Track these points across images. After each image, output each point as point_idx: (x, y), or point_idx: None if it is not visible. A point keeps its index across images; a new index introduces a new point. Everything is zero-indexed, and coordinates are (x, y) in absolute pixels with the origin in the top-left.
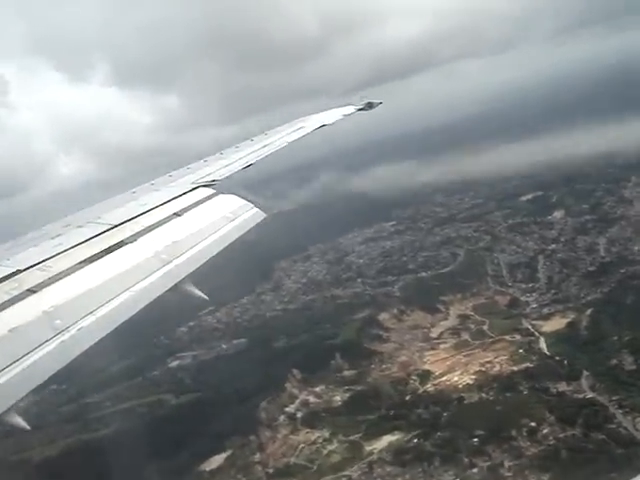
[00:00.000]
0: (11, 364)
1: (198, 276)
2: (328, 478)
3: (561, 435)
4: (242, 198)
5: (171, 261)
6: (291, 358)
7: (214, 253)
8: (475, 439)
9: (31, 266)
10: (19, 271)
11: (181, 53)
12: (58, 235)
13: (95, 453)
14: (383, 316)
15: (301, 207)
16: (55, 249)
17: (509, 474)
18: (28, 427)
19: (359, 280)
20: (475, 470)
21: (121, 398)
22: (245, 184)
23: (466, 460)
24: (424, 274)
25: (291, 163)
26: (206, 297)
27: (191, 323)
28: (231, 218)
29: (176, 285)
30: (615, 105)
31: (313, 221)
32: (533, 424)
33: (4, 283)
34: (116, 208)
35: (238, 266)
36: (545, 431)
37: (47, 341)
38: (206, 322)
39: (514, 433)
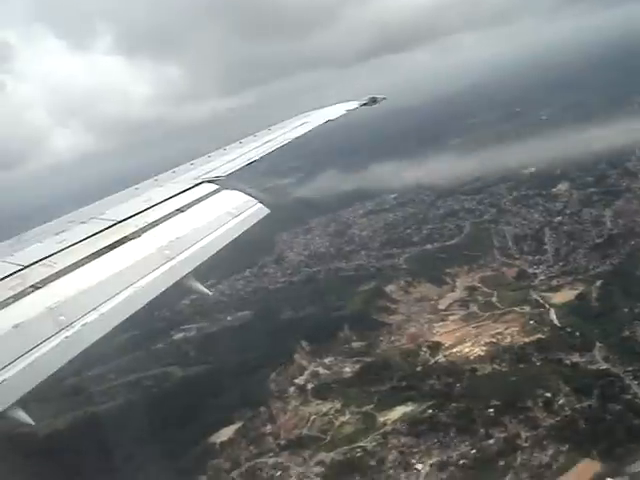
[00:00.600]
0: (15, 359)
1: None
2: (342, 449)
3: (577, 406)
4: (246, 194)
5: (174, 257)
6: (298, 330)
7: (217, 249)
8: (490, 410)
9: (35, 262)
10: (23, 267)
11: (187, 20)
12: (62, 231)
13: (102, 426)
14: (390, 288)
15: (299, 180)
16: (59, 245)
17: (526, 445)
18: (32, 422)
19: (363, 252)
20: (491, 441)
21: (125, 371)
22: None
23: (482, 431)
24: (429, 246)
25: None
26: (209, 292)
27: (193, 296)
28: (235, 214)
29: (179, 281)
30: (616, 78)
31: (312, 194)
32: (548, 395)
33: (8, 279)
34: (119, 204)
35: (238, 238)
36: (561, 402)
37: (51, 337)
38: (208, 295)
39: (530, 404)
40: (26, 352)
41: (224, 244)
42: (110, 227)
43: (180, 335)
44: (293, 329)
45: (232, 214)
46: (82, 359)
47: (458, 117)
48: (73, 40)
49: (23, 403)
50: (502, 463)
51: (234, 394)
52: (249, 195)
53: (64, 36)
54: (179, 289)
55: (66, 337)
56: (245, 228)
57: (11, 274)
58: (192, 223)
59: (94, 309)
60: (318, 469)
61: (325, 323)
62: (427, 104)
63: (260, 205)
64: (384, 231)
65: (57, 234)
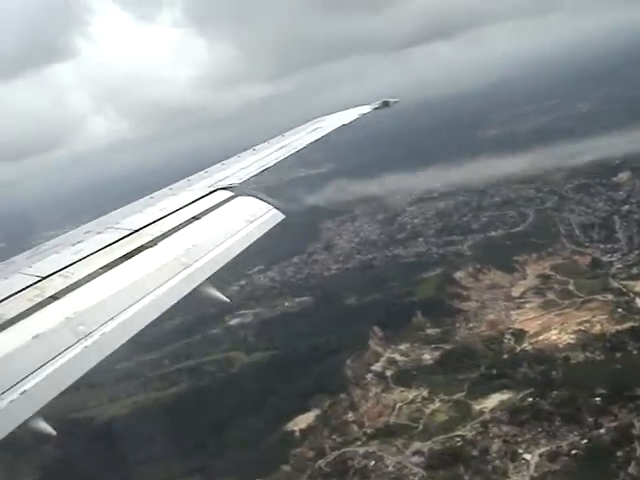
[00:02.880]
0: (35, 370)
1: None
2: (439, 438)
3: None
4: (260, 200)
5: (191, 265)
6: (367, 316)
7: (234, 255)
8: (597, 398)
9: (53, 273)
10: (41, 278)
11: None
12: (78, 242)
13: (170, 411)
14: (458, 275)
15: (334, 170)
16: (76, 256)
17: None
18: (54, 432)
19: (420, 240)
20: (602, 430)
21: (182, 356)
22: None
23: (590, 420)
24: (493, 233)
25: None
26: (228, 300)
27: (242, 282)
28: (250, 220)
29: (197, 288)
30: None
31: (352, 182)
32: None
33: (27, 290)
34: (135, 213)
35: (282, 225)
36: None
37: (70, 347)
38: (258, 281)
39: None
40: (46, 363)
41: (240, 250)
42: (126, 236)
43: (236, 320)
44: (361, 315)
45: (247, 220)
46: (132, 344)
47: (493, 110)
48: (139, 11)
49: (44, 414)
50: (620, 454)
51: (307, 380)
52: (264, 201)
53: (129, 8)
54: (197, 297)
55: (85, 347)
56: (261, 234)
57: (30, 285)
58: (208, 230)
59: (112, 318)
60: (417, 459)
61: (395, 309)
62: (460, 96)
63: (275, 211)
64: (438, 219)
65: (74, 245)
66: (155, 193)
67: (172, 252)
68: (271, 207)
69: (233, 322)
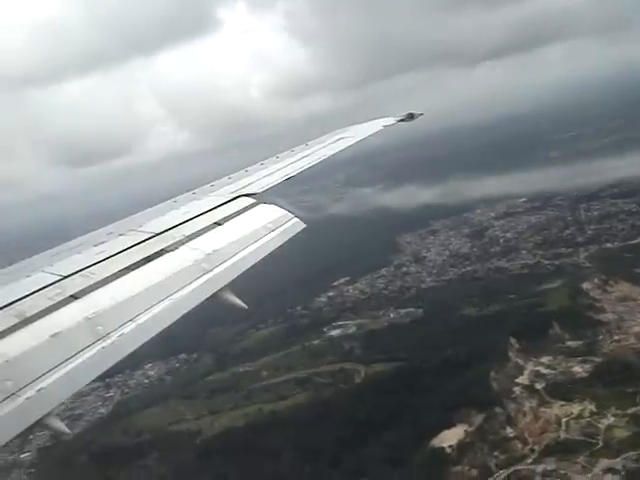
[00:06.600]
0: (53, 368)
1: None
2: (631, 454)
3: None
4: (282, 208)
5: (211, 270)
6: (494, 327)
7: (254, 262)
8: None
9: (74, 273)
10: (63, 277)
11: None
12: (101, 243)
13: (292, 425)
14: (585, 286)
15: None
16: (98, 256)
17: None
18: (69, 431)
19: (523, 252)
20: None
21: (283, 367)
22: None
23: None
24: (609, 245)
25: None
26: (245, 306)
27: (330, 293)
28: (271, 228)
29: (216, 293)
30: None
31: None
32: None
33: (48, 289)
34: (158, 217)
35: (357, 240)
36: None
37: (88, 346)
38: (347, 292)
39: None
40: (63, 361)
41: (261, 258)
42: (148, 239)
43: (336, 332)
44: (486, 326)
45: (269, 228)
46: (220, 355)
47: (552, 131)
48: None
49: (59, 412)
50: None
51: (446, 393)
52: (285, 210)
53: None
54: (215, 302)
55: (103, 347)
56: (282, 242)
57: (51, 284)
58: (229, 236)
59: (131, 320)
60: (612, 477)
61: (527, 320)
62: (516, 118)
63: (296, 219)
64: (533, 232)
65: (96, 245)
66: (179, 197)
67: (193, 256)
68: (292, 215)
69: (333, 333)
